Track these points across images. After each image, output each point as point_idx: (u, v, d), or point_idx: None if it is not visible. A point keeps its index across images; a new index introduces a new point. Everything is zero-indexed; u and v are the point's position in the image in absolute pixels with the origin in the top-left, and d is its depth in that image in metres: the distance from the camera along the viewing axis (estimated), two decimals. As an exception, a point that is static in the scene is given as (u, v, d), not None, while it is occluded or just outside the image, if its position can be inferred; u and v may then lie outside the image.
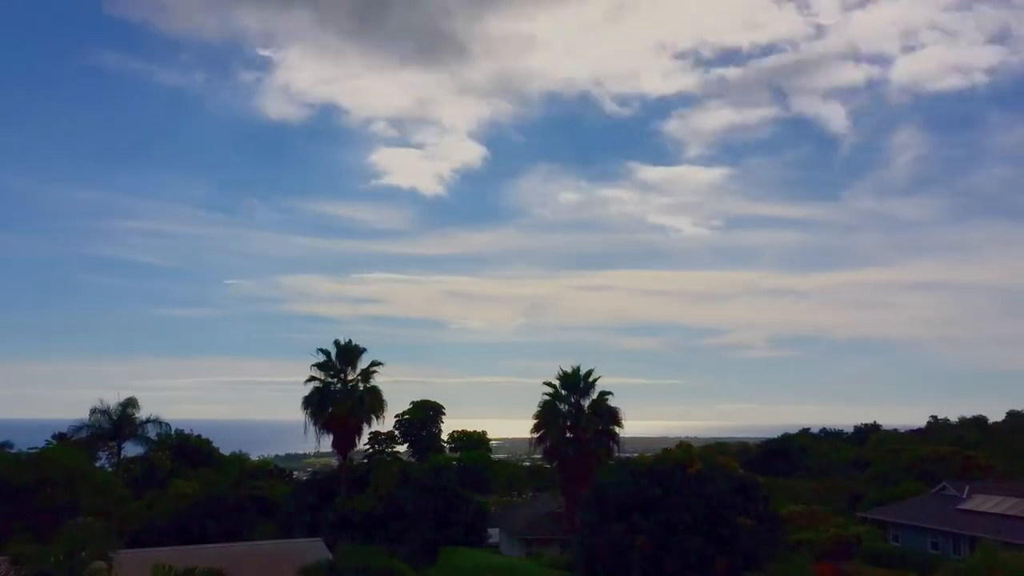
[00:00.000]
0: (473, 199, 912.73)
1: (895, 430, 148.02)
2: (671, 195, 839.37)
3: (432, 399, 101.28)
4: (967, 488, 61.56)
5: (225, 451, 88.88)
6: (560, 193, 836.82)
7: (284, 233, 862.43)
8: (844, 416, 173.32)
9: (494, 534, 72.03)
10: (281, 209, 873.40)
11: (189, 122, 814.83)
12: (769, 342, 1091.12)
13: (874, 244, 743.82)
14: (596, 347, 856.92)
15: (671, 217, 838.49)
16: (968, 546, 49.44)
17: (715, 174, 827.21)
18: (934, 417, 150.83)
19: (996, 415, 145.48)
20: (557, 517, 64.36)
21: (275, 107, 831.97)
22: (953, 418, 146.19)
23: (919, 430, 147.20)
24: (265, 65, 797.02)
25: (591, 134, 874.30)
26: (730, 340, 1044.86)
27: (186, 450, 79.40)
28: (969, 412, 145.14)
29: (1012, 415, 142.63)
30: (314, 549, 40.26)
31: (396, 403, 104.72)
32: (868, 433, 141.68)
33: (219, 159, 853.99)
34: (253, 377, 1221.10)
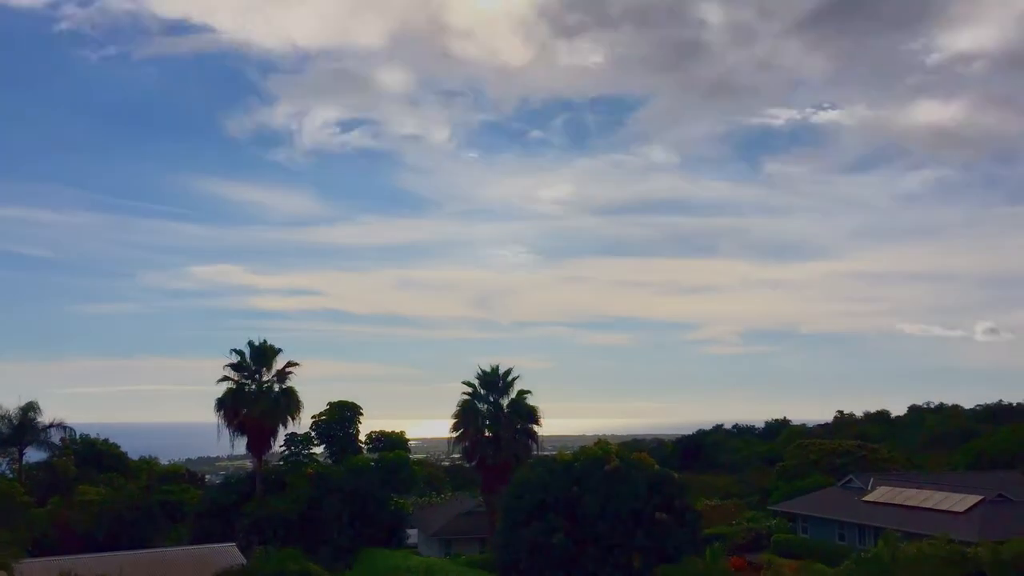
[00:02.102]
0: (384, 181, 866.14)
1: (804, 425, 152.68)
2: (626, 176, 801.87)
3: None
4: (871, 480, 63.83)
5: (134, 456, 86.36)
6: (494, 178, 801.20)
7: (182, 221, 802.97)
8: (775, 412, 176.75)
9: (413, 535, 71.69)
10: (173, 193, 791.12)
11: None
12: (740, 336, 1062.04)
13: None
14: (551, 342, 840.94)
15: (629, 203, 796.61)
16: (873, 536, 51.20)
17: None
18: (840, 412, 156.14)
19: (901, 409, 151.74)
20: (476, 516, 64.41)
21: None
22: (859, 412, 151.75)
23: (826, 425, 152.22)
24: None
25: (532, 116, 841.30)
26: (698, 335, 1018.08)
27: (93, 455, 76.91)
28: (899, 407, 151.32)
29: (913, 409, 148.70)
30: (228, 554, 39.46)
31: (329, 400, 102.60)
32: (778, 429, 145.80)
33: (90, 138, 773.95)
34: (163, 379, 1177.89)
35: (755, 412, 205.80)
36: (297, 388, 64.50)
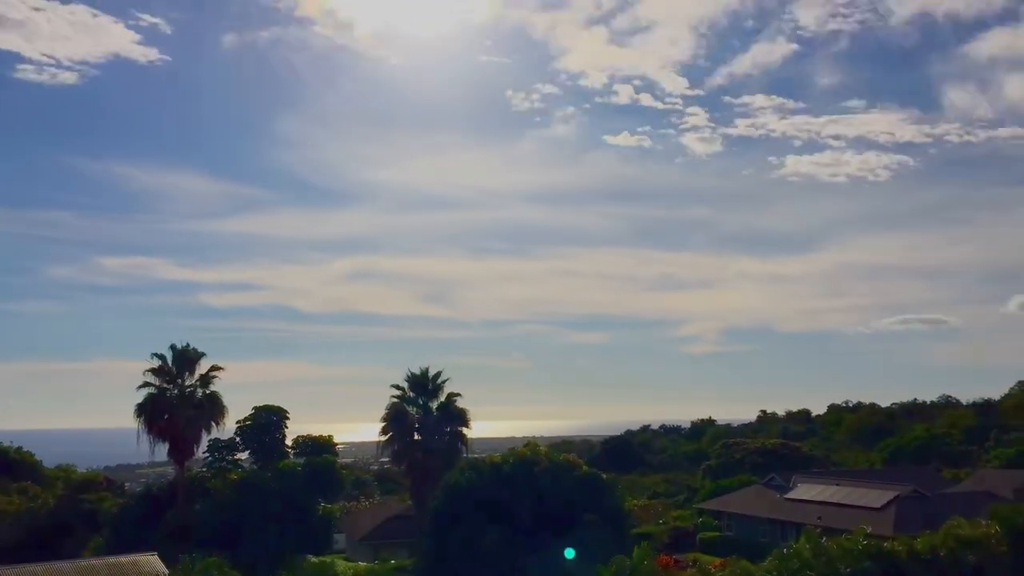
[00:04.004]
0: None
1: (728, 424, 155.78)
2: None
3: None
4: (793, 478, 65.41)
5: (49, 463, 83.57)
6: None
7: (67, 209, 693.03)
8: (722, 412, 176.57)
9: (340, 539, 70.95)
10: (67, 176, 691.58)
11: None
12: (722, 334, 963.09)
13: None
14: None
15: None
16: (795, 532, 52.36)
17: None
18: (763, 411, 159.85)
19: (821, 408, 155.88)
20: (405, 520, 64.01)
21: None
22: (781, 412, 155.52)
23: (750, 424, 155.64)
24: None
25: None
26: (680, 332, 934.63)
27: (5, 464, 74.24)
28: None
29: (832, 408, 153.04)
30: (148, 564, 38.50)
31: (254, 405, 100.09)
32: (704, 428, 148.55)
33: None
34: (85, 381, 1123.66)
35: (688, 412, 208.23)
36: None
